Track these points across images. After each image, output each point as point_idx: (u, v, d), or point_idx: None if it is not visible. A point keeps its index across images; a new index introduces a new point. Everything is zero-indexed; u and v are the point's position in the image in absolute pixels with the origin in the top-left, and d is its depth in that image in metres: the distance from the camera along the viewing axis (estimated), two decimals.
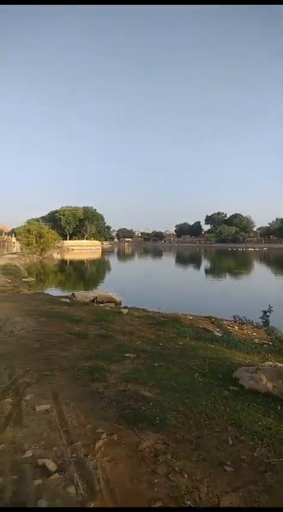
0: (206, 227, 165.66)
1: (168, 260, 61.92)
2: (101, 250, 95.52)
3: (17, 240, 77.34)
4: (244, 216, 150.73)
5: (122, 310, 10.84)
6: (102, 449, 3.28)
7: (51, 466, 2.97)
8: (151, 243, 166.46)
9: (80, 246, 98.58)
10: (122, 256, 78.78)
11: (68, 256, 62.94)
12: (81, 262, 54.49)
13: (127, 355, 6.04)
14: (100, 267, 49.31)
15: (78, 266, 47.73)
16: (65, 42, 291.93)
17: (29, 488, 2.73)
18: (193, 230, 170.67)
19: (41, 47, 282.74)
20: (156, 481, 2.85)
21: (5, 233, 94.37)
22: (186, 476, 2.92)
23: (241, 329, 10.11)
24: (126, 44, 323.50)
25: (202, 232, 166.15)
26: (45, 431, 3.56)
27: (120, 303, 13.93)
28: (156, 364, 5.63)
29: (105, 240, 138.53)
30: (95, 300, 14.00)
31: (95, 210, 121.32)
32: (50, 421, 3.76)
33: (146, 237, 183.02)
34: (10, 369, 5.32)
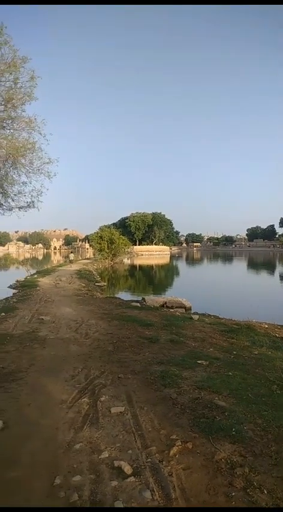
0: (281, 230, 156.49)
1: (239, 265, 59.69)
2: (169, 255, 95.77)
3: (90, 246, 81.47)
4: None
5: (192, 316, 10.69)
6: (177, 456, 3.24)
7: (127, 468, 3.01)
8: (221, 248, 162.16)
9: (149, 251, 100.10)
10: (191, 261, 77.92)
11: (137, 262, 64.19)
12: (150, 267, 55.17)
13: (199, 362, 5.92)
14: (168, 272, 49.34)
15: (147, 271, 48.39)
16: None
17: (106, 488, 2.80)
18: (266, 234, 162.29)
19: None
20: (233, 494, 2.73)
21: (79, 240, 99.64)
22: (265, 492, 2.74)
23: None
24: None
25: (277, 236, 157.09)
26: (121, 433, 3.63)
27: (190, 309, 13.75)
28: (230, 374, 5.42)
29: (174, 245, 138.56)
30: (165, 305, 14.01)
31: (164, 215, 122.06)
32: (124, 423, 3.83)
33: (215, 241, 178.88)
34: (86, 370, 5.55)
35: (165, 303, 14.20)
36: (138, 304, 13.09)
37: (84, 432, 3.65)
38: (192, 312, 12.77)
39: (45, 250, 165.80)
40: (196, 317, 10.48)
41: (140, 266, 54.77)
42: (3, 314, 10.33)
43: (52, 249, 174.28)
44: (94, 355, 6.36)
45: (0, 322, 9.20)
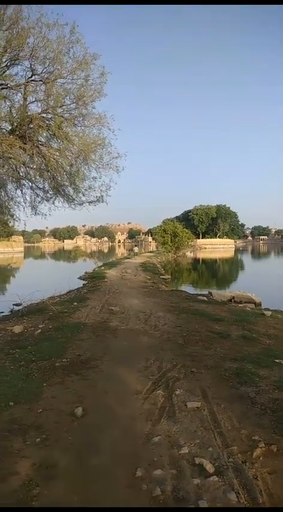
0: None
1: None
2: (233, 249, 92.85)
3: (152, 239, 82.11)
4: None
5: (264, 312, 10.17)
6: (261, 459, 3.07)
7: (209, 467, 2.92)
8: None
9: (213, 244, 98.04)
10: (257, 255, 74.71)
11: (201, 255, 63.21)
12: (214, 261, 54.01)
13: (277, 361, 5.58)
14: (233, 266, 47.86)
15: (211, 265, 47.45)
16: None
17: (188, 486, 2.74)
18: None
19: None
20: None
21: (142, 233, 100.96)
22: None
23: None
24: None
25: None
26: (199, 429, 3.54)
27: (259, 304, 13.15)
28: None
29: (239, 238, 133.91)
30: (233, 300, 13.58)
31: (229, 207, 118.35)
32: (202, 419, 3.73)
33: None
34: (159, 362, 5.55)
35: (233, 297, 13.76)
36: (205, 298, 12.84)
37: (161, 425, 3.63)
38: (263, 307, 12.17)
39: (110, 243, 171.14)
40: (268, 313, 9.96)
41: (203, 260, 53.91)
42: (75, 304, 10.82)
43: (116, 242, 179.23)
44: (165, 348, 6.35)
45: (73, 311, 9.64)
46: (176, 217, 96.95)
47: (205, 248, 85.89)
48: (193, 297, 13.19)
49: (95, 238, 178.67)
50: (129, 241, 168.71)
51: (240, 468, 2.94)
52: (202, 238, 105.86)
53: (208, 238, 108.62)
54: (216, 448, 3.22)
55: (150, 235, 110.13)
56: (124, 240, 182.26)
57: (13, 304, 12.44)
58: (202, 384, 4.68)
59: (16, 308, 12.09)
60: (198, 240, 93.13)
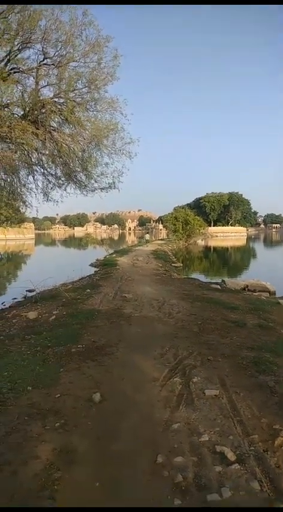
0: None
1: None
2: (245, 237, 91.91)
3: (163, 227, 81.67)
4: None
5: (280, 300, 10.04)
6: None
7: (230, 455, 2.89)
8: None
9: (224, 232, 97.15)
10: (269, 243, 73.80)
11: (212, 243, 62.70)
12: (225, 249, 53.59)
13: None
14: (245, 254, 47.43)
15: (222, 253, 47.10)
16: None
17: (210, 473, 2.71)
18: None
19: None
20: None
21: (153, 221, 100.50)
22: None
23: None
24: None
25: None
26: (218, 417, 3.51)
27: (274, 293, 12.99)
28: None
29: (251, 226, 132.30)
30: (246, 288, 13.44)
31: (241, 195, 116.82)
32: (221, 407, 3.70)
33: None
34: (174, 349, 5.52)
35: (247, 286, 13.61)
36: (218, 287, 12.75)
37: (180, 412, 3.60)
38: (278, 296, 12.03)
39: (120, 230, 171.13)
40: None
41: (215, 248, 53.52)
42: (88, 290, 10.85)
43: (127, 229, 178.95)
44: (180, 335, 6.31)
45: (86, 298, 9.66)
46: (187, 204, 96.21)
47: (217, 236, 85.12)
48: (206, 285, 13.10)
49: (105, 226, 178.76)
50: (140, 228, 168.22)
51: (261, 457, 2.90)
52: (213, 226, 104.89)
53: (220, 226, 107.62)
54: (236, 437, 3.18)
55: (160, 222, 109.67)
56: (134, 228, 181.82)
57: (26, 290, 12.55)
58: (219, 372, 4.63)
59: (29, 294, 12.19)
60: (209, 227, 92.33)
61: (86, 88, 12.30)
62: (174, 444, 3.07)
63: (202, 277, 19.53)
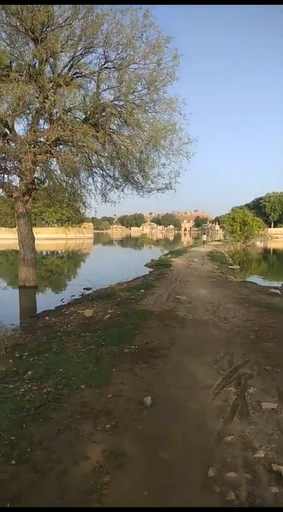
0: None
1: None
2: None
3: (220, 227, 79.86)
4: None
5: None
6: None
7: None
8: None
9: None
10: None
11: (272, 245, 59.90)
12: None
13: None
14: None
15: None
16: None
17: (265, 494, 2.53)
18: None
19: None
20: None
21: (209, 221, 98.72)
22: None
23: None
24: None
25: None
26: (275, 433, 3.29)
27: None
28: None
29: None
30: None
31: None
32: (279, 422, 3.46)
33: None
34: (229, 356, 5.31)
35: None
36: (278, 292, 12.09)
37: (234, 424, 3.44)
38: None
39: (175, 231, 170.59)
40: None
41: (274, 250, 50.99)
42: (142, 291, 10.91)
43: (182, 230, 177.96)
44: (235, 342, 6.07)
45: (140, 298, 9.72)
46: (246, 204, 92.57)
47: (277, 238, 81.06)
48: (264, 290, 12.51)
49: (161, 226, 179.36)
50: (196, 229, 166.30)
51: None
52: (274, 227, 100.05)
53: (281, 227, 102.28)
54: None
55: (217, 223, 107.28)
56: (190, 228, 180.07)
57: (84, 288, 13.01)
58: (278, 384, 4.35)
59: (86, 292, 12.62)
60: (269, 229, 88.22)
61: (145, 90, 12.42)
62: (226, 458, 2.92)
63: (260, 281, 18.68)
